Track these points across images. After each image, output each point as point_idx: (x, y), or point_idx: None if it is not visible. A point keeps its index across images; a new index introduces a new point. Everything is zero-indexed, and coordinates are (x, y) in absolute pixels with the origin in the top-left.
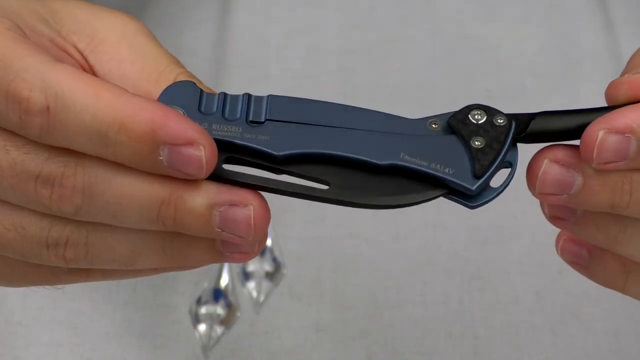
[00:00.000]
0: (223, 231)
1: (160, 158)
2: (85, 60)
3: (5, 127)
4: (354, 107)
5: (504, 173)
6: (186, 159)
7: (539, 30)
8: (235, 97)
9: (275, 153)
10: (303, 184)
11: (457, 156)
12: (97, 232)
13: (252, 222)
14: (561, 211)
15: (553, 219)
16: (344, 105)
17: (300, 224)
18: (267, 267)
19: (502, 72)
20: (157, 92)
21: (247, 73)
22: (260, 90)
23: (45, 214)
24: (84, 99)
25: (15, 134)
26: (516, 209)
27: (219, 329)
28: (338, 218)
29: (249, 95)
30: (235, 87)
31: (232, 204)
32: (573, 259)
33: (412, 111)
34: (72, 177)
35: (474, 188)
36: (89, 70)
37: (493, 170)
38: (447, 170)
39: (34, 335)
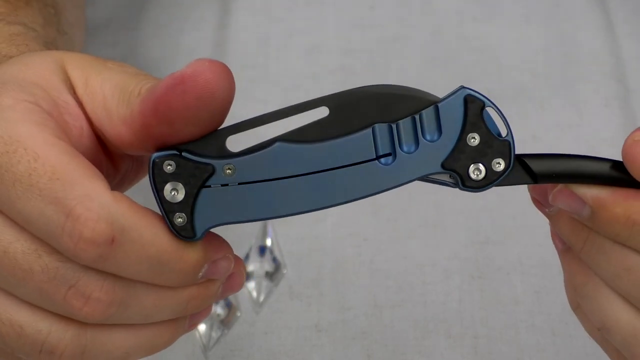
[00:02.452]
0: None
1: (200, 274)
2: (82, 108)
3: (50, 244)
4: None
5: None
6: (220, 270)
7: (539, 30)
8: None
9: None
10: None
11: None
12: (97, 338)
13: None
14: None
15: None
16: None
17: (300, 224)
18: (267, 267)
19: (502, 72)
20: (127, 109)
21: (247, 73)
22: (260, 90)
23: (49, 316)
24: (148, 233)
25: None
26: (516, 209)
27: (219, 329)
28: (338, 218)
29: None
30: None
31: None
32: (557, 245)
33: None
34: (111, 292)
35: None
36: (87, 119)
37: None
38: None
39: None
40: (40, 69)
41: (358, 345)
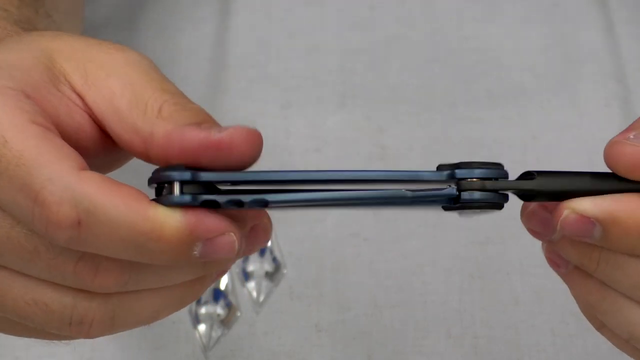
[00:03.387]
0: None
1: (195, 253)
2: (83, 100)
3: (31, 229)
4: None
5: None
6: (220, 249)
7: (539, 30)
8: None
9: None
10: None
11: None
12: (124, 302)
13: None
14: (553, 260)
15: (551, 262)
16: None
17: (300, 224)
18: (267, 267)
19: (502, 72)
20: (144, 124)
21: (247, 73)
22: (260, 90)
23: (70, 289)
24: (116, 213)
25: None
26: (516, 210)
27: (219, 329)
28: (338, 218)
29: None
30: (235, 87)
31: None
32: (556, 269)
33: (412, 111)
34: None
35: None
36: (88, 111)
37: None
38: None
39: None
40: (26, 55)
41: (358, 345)
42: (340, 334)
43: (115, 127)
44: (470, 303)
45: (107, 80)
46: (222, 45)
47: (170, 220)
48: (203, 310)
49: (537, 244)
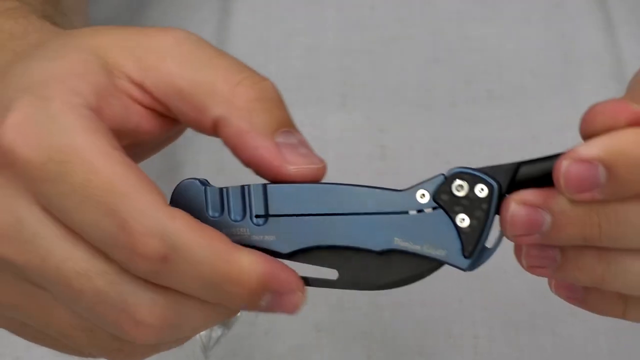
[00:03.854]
0: None
1: (262, 302)
2: (142, 87)
3: (108, 254)
4: (346, 186)
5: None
6: (286, 304)
7: (539, 30)
8: (235, 191)
9: (282, 252)
10: (314, 273)
11: (445, 235)
12: (169, 332)
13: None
14: (539, 260)
15: (532, 268)
16: (335, 186)
17: None
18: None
19: (502, 72)
20: (215, 105)
21: None
22: None
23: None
24: (202, 252)
25: (105, 259)
26: None
27: (219, 329)
28: None
29: (248, 188)
30: None
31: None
32: (569, 296)
33: (412, 111)
34: (161, 315)
35: (465, 267)
36: (147, 97)
37: (481, 245)
38: (439, 252)
39: None
40: (78, 59)
41: (358, 345)
42: (340, 334)
43: (180, 107)
44: (470, 303)
45: (162, 62)
46: (222, 45)
47: (252, 267)
48: None
49: None
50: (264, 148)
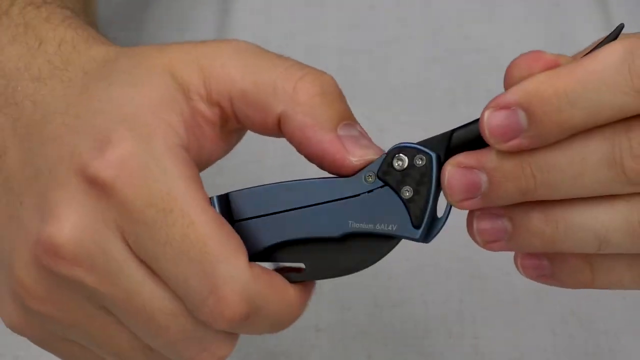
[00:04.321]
0: None
1: None
2: (210, 100)
3: (188, 306)
4: (299, 181)
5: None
6: None
7: (539, 30)
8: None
9: (250, 253)
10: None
11: (394, 210)
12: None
13: None
14: (491, 233)
15: (488, 244)
16: (289, 183)
17: None
18: (267, 266)
19: (502, 72)
20: (276, 102)
21: None
22: None
23: None
24: (277, 307)
25: None
26: None
27: None
28: None
29: (212, 199)
30: None
31: None
32: (537, 273)
33: (412, 111)
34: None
35: (418, 237)
36: (216, 111)
37: (429, 213)
38: (391, 227)
39: None
40: (160, 85)
41: (358, 345)
42: (340, 334)
43: (245, 110)
44: (470, 303)
45: (224, 69)
46: None
47: (303, 301)
48: None
49: None
50: (327, 141)
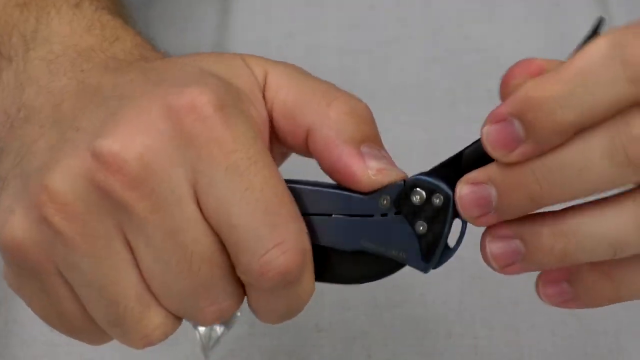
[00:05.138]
0: None
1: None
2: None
3: (237, 255)
4: (317, 188)
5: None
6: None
7: (539, 30)
8: None
9: None
10: None
11: (406, 239)
12: None
13: None
14: (505, 256)
15: (504, 269)
16: (308, 187)
17: None
18: None
19: (502, 72)
20: (309, 116)
21: None
22: None
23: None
24: (306, 288)
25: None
26: None
27: (219, 329)
28: None
29: None
30: None
31: None
32: (561, 299)
33: (412, 111)
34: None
35: (425, 271)
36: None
37: (440, 250)
38: (401, 255)
39: (33, 335)
40: (245, 74)
41: (358, 345)
42: (340, 334)
43: (280, 119)
44: (470, 303)
45: (274, 79)
46: (222, 45)
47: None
48: None
49: None
50: (346, 153)
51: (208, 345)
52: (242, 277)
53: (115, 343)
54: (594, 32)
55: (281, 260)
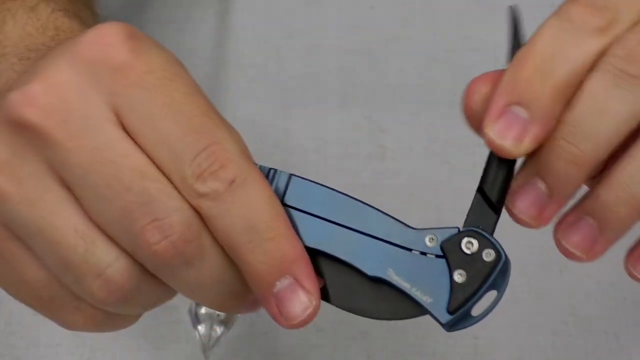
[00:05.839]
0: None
1: (277, 284)
2: None
3: (171, 166)
4: (363, 204)
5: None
6: (295, 302)
7: None
8: (262, 170)
9: None
10: None
11: (438, 284)
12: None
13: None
14: (585, 241)
15: (589, 254)
16: (355, 200)
17: None
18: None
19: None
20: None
21: (247, 73)
22: (260, 90)
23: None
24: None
25: None
26: None
27: (219, 329)
28: None
29: (274, 171)
30: (235, 87)
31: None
32: None
33: (412, 111)
34: (186, 243)
35: (444, 322)
36: None
37: (468, 307)
38: (425, 299)
39: (34, 335)
40: None
41: (358, 345)
42: (340, 334)
43: None
44: None
45: None
46: (222, 45)
47: (291, 241)
48: (203, 310)
49: (537, 244)
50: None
51: (208, 345)
52: (179, 188)
53: (117, 343)
54: (515, 26)
55: (212, 160)
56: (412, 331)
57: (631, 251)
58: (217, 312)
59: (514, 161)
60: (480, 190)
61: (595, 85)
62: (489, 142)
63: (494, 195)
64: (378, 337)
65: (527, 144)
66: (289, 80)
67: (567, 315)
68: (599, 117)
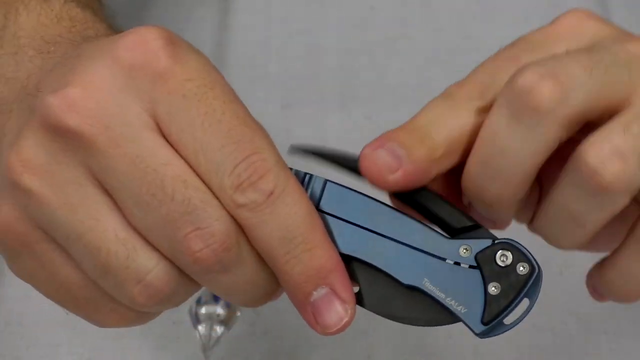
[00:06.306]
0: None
1: (313, 293)
2: None
3: (209, 175)
4: (398, 212)
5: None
6: (332, 311)
7: None
8: (297, 175)
9: None
10: None
11: (472, 295)
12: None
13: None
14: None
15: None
16: (389, 208)
17: None
18: (220, 310)
19: None
20: None
21: (247, 73)
22: (260, 90)
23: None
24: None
25: None
26: None
27: (219, 329)
28: None
29: (310, 176)
30: (235, 87)
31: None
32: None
33: (413, 111)
34: (227, 250)
35: (478, 333)
36: None
37: (502, 318)
38: (460, 309)
39: (34, 335)
40: None
41: (358, 345)
42: (340, 334)
43: None
44: None
45: None
46: (222, 45)
47: (328, 250)
48: (203, 310)
49: (537, 243)
50: None
51: (208, 345)
52: (219, 197)
53: (118, 343)
54: (323, 154)
55: (251, 170)
56: (412, 331)
57: (589, 275)
58: (217, 312)
59: (438, 195)
60: (451, 231)
61: (495, 120)
62: (363, 157)
63: (459, 222)
64: (378, 336)
65: (396, 177)
66: (289, 80)
67: (567, 315)
68: (501, 155)
